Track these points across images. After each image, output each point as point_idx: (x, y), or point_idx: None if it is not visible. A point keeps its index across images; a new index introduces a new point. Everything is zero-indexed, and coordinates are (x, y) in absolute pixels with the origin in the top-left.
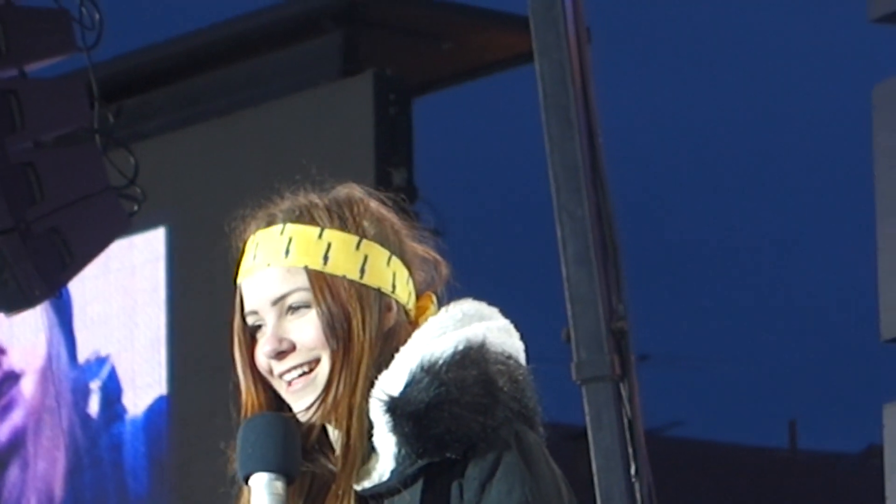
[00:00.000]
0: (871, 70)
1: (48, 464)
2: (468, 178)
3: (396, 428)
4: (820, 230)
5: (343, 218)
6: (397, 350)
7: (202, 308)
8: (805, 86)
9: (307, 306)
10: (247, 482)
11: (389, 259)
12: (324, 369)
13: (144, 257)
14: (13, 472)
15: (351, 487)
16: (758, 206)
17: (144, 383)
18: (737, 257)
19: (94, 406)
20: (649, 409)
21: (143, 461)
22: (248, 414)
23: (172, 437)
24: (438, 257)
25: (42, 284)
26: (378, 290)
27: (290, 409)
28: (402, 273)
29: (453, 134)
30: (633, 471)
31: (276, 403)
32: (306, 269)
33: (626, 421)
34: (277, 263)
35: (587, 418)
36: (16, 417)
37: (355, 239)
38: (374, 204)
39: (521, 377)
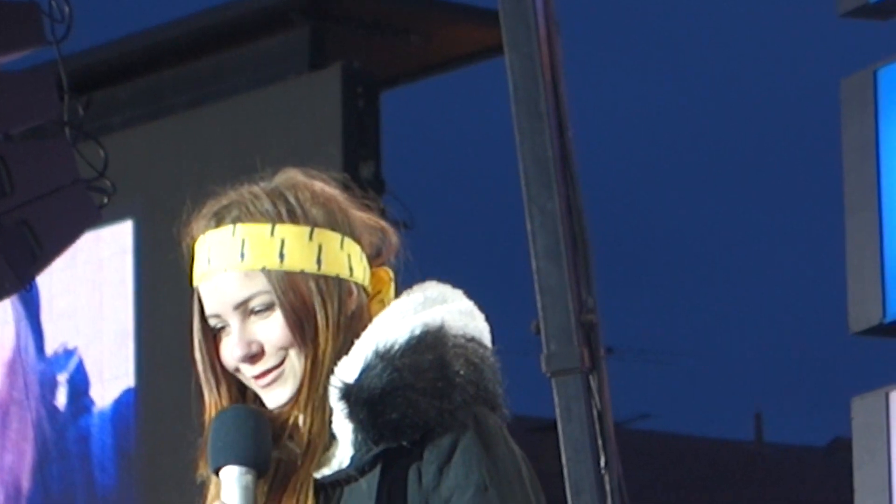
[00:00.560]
0: (840, 64)
1: (16, 456)
2: (436, 171)
3: (352, 415)
4: (788, 224)
5: (290, 209)
6: (358, 335)
7: (170, 300)
8: (774, 80)
9: (270, 307)
10: (217, 475)
11: (342, 242)
12: (293, 364)
13: (112, 250)
14: None
15: (310, 477)
16: (725, 201)
17: (112, 376)
18: (704, 251)
19: (61, 398)
20: (615, 402)
21: (111, 453)
22: (213, 414)
23: (140, 429)
24: (385, 224)
25: (12, 277)
26: (337, 278)
27: (254, 402)
28: (356, 251)
29: (421, 127)
30: (602, 463)
31: (241, 401)
32: (264, 269)
33: (595, 413)
34: (234, 268)
35: (557, 410)
36: None
37: (307, 230)
38: (317, 185)
39: (479, 360)
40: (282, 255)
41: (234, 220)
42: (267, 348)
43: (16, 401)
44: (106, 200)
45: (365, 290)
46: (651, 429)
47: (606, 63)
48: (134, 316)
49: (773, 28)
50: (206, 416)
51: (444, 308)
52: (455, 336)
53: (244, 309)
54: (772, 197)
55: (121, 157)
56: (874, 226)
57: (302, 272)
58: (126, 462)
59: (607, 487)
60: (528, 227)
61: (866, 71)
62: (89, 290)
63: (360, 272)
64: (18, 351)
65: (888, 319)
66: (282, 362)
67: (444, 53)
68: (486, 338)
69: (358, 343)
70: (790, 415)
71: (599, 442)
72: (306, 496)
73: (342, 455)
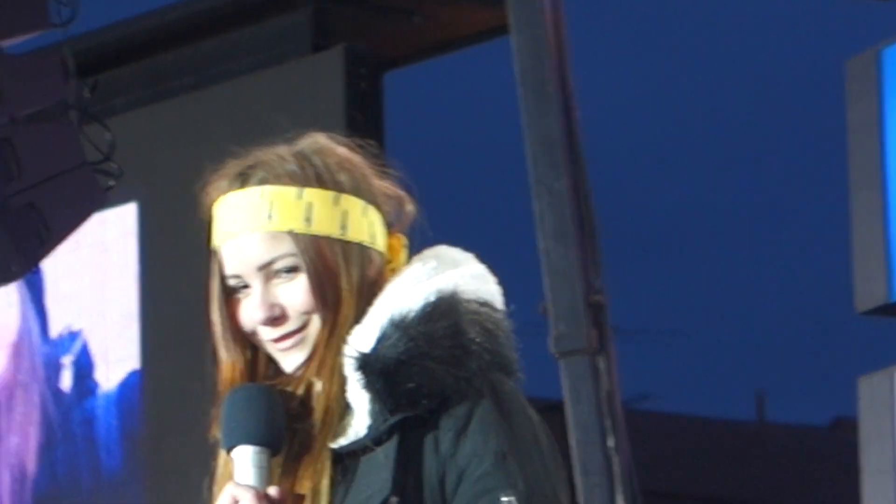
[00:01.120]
0: (844, 44)
1: (21, 439)
2: (440, 152)
3: (368, 384)
4: (793, 204)
5: (318, 173)
6: (372, 302)
7: (174, 283)
8: (780, 60)
9: (294, 270)
10: (230, 454)
11: (365, 209)
12: (314, 329)
13: (116, 232)
14: None
15: (327, 447)
16: (730, 180)
17: (117, 358)
18: (706, 229)
19: (66, 381)
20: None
21: (116, 435)
22: (228, 377)
23: (145, 411)
24: (402, 193)
25: (20, 260)
26: (360, 245)
27: (268, 367)
28: (377, 219)
29: (425, 108)
30: (611, 444)
31: (254, 362)
32: (291, 232)
33: (603, 394)
34: (260, 229)
35: (565, 392)
36: None
37: (333, 195)
38: (341, 150)
39: (494, 325)
40: (308, 219)
41: (261, 182)
42: (289, 312)
43: (20, 383)
44: (112, 183)
45: (383, 257)
46: (652, 409)
47: (612, 43)
48: (139, 298)
49: (779, 9)
50: (222, 378)
51: (457, 272)
52: (468, 301)
53: (268, 271)
54: (775, 176)
55: (124, 140)
56: (879, 205)
57: (328, 237)
58: (131, 444)
59: (616, 469)
60: (536, 207)
61: (870, 51)
62: (94, 273)
63: (381, 241)
64: (22, 333)
65: (894, 299)
66: (303, 326)
67: (448, 34)
68: (499, 301)
69: (372, 311)
70: (792, 394)
71: (608, 423)
72: (324, 466)
73: (358, 425)
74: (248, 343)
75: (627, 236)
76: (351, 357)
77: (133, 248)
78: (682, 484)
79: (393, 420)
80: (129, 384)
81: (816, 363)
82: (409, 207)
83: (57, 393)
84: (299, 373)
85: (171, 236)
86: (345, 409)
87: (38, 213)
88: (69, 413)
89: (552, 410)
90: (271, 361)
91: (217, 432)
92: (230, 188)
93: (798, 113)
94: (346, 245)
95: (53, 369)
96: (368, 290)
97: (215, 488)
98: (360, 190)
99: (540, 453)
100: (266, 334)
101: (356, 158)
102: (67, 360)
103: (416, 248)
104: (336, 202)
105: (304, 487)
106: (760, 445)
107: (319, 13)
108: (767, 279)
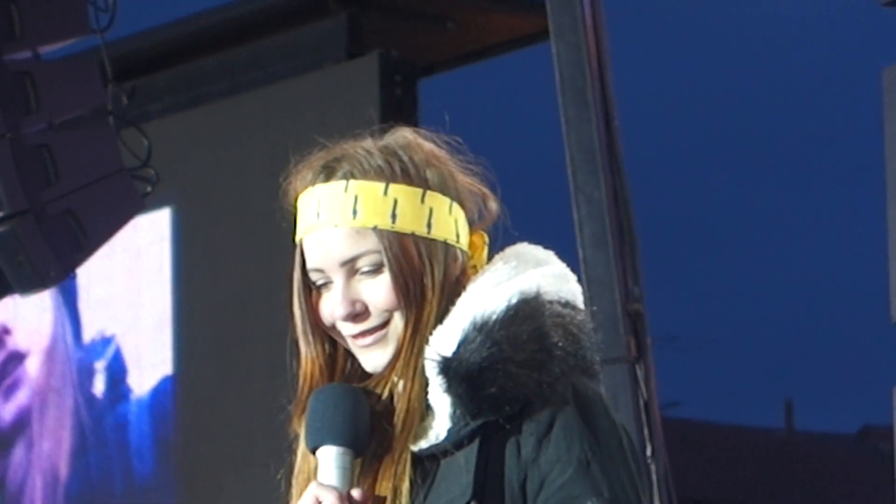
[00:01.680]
0: (882, 53)
1: (53, 444)
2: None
3: (450, 388)
4: (829, 212)
5: (405, 168)
6: (454, 302)
7: (207, 288)
8: (817, 68)
9: (378, 267)
10: (314, 454)
11: (451, 207)
12: (396, 327)
13: (150, 238)
14: (18, 452)
15: (408, 449)
16: (765, 188)
17: (150, 363)
18: (739, 238)
19: (99, 386)
20: None
21: (149, 441)
22: (308, 371)
23: (178, 417)
24: (486, 191)
25: (57, 266)
26: (444, 243)
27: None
28: (461, 217)
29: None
30: (649, 452)
31: (333, 356)
32: (375, 228)
33: (641, 402)
34: (345, 224)
35: None
36: (21, 397)
37: (419, 192)
38: (427, 146)
39: (577, 328)
40: (394, 216)
41: (346, 176)
42: (371, 309)
43: (54, 388)
44: (149, 189)
45: (466, 255)
46: (682, 416)
47: (650, 50)
48: (172, 304)
49: (817, 18)
50: (302, 372)
51: (539, 272)
52: (551, 302)
53: (351, 267)
54: (812, 185)
55: (159, 146)
56: None
57: (413, 234)
58: (164, 450)
59: (654, 477)
60: (575, 215)
61: None
62: (127, 278)
63: (465, 239)
64: (56, 339)
65: None
66: (385, 324)
67: (482, 41)
68: (580, 301)
69: (454, 312)
70: (821, 402)
71: (646, 431)
72: (404, 468)
73: (439, 428)
74: (327, 337)
75: (658, 246)
76: (433, 360)
77: (167, 254)
78: (710, 491)
79: (474, 424)
80: (162, 389)
81: (845, 372)
82: (492, 205)
83: (90, 398)
84: (383, 372)
85: (205, 242)
86: (425, 410)
87: (75, 218)
88: (102, 418)
89: None
90: (351, 358)
91: (298, 428)
92: (315, 181)
93: (835, 121)
94: (430, 243)
95: (86, 374)
96: (451, 289)
97: (294, 483)
98: (446, 187)
99: (624, 459)
100: (346, 330)
101: (442, 154)
102: (100, 366)
103: (497, 245)
104: (422, 199)
105: (385, 489)
106: (789, 453)
107: (354, 20)
108: (798, 288)
